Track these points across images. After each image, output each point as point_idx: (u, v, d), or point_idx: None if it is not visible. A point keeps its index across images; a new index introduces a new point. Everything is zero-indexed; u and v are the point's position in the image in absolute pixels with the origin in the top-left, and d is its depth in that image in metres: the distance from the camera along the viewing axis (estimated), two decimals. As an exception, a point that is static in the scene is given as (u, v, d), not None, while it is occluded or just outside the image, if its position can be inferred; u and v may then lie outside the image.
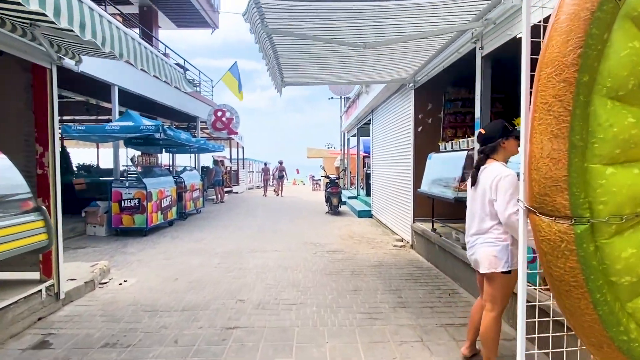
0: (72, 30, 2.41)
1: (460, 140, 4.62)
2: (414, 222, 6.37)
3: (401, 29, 3.74)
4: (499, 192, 2.30)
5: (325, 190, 11.69)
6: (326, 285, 4.54)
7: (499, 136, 2.46)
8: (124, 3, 15.02)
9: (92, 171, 13.93)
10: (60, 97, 11.01)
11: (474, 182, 2.58)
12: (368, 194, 13.42)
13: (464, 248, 4.37)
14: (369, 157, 19.10)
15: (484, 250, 2.44)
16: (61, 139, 10.89)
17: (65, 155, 15.31)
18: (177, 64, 14.70)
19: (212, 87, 17.77)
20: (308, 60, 5.01)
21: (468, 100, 6.15)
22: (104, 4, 15.06)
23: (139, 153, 10.12)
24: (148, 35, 14.60)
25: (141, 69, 3.68)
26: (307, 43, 4.31)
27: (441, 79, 5.96)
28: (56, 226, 3.75)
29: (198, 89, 17.57)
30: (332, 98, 18.22)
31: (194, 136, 17.66)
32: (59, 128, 6.61)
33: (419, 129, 6.31)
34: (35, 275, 3.73)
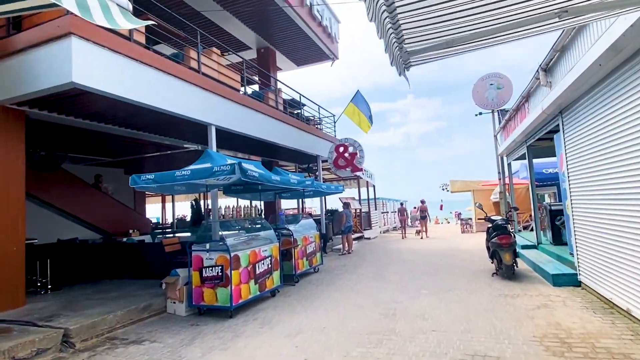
0: None
1: None
2: None
3: None
4: None
5: (489, 240, 7.94)
6: None
7: None
8: (244, 49, 14.82)
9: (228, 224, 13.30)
10: (174, 147, 10.49)
11: None
12: (556, 241, 9.01)
13: None
14: (543, 186, 14.32)
15: None
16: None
17: (197, 208, 15.39)
18: (292, 99, 13.40)
19: (334, 122, 16.04)
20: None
21: None
22: (227, 53, 15.19)
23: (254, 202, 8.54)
24: (266, 76, 13.87)
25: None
26: None
27: None
28: None
29: (320, 126, 16.12)
30: (480, 114, 14.34)
31: (314, 177, 15.92)
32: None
33: None
34: None
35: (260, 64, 14.57)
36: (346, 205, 13.12)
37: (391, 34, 2.83)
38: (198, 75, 7.64)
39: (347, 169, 13.35)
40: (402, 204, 20.02)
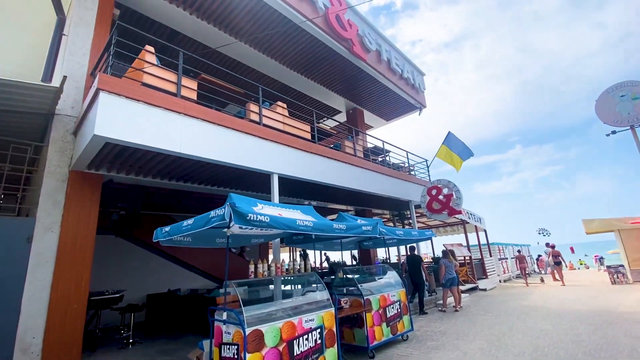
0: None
1: None
2: None
3: None
4: None
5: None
6: None
7: None
8: (335, 113, 13.51)
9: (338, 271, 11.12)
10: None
11: None
12: None
13: None
14: None
15: None
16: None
17: (305, 257, 13.67)
18: (375, 147, 11.07)
19: (428, 166, 12.84)
20: None
21: None
22: (322, 119, 14.11)
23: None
24: (356, 132, 12.07)
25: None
26: None
27: None
28: None
29: (414, 172, 13.13)
30: (614, 133, 9.26)
31: (407, 225, 12.66)
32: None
33: None
34: None
35: (351, 123, 12.92)
36: (445, 254, 9.44)
37: None
38: (255, 126, 6.17)
39: (443, 212, 9.88)
40: (519, 250, 14.55)
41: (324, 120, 13.87)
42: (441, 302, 9.20)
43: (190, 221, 3.63)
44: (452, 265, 9.06)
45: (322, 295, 4.53)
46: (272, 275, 4.36)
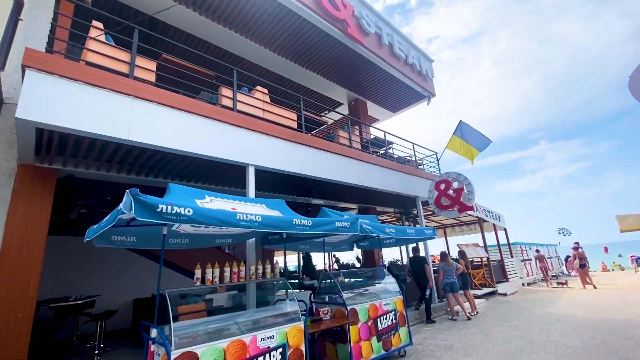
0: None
1: None
2: None
3: None
4: None
5: None
6: None
7: None
8: (337, 105, 12.73)
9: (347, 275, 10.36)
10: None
11: None
12: None
13: None
14: None
15: None
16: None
17: (305, 261, 12.94)
18: (375, 138, 10.21)
19: (438, 159, 11.81)
20: None
21: None
22: (324, 112, 13.37)
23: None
24: (353, 123, 11.24)
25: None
26: None
27: None
28: None
29: (423, 167, 12.14)
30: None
31: (414, 223, 11.68)
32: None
33: None
34: None
35: (353, 115, 12.10)
36: (443, 256, 8.46)
37: None
38: (226, 111, 5.49)
39: (453, 208, 8.89)
40: (538, 250, 13.31)
41: (326, 113, 13.12)
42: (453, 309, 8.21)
43: (108, 218, 2.98)
44: (452, 268, 8.08)
45: (291, 305, 3.77)
46: (226, 282, 3.65)
